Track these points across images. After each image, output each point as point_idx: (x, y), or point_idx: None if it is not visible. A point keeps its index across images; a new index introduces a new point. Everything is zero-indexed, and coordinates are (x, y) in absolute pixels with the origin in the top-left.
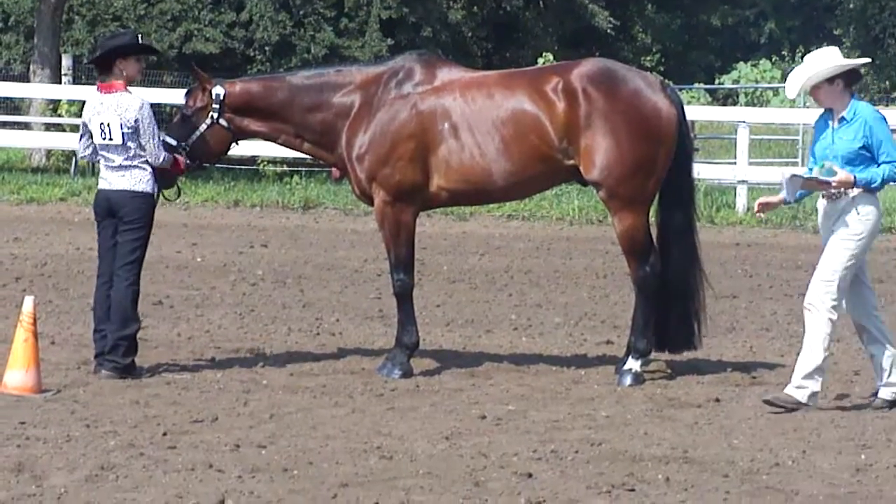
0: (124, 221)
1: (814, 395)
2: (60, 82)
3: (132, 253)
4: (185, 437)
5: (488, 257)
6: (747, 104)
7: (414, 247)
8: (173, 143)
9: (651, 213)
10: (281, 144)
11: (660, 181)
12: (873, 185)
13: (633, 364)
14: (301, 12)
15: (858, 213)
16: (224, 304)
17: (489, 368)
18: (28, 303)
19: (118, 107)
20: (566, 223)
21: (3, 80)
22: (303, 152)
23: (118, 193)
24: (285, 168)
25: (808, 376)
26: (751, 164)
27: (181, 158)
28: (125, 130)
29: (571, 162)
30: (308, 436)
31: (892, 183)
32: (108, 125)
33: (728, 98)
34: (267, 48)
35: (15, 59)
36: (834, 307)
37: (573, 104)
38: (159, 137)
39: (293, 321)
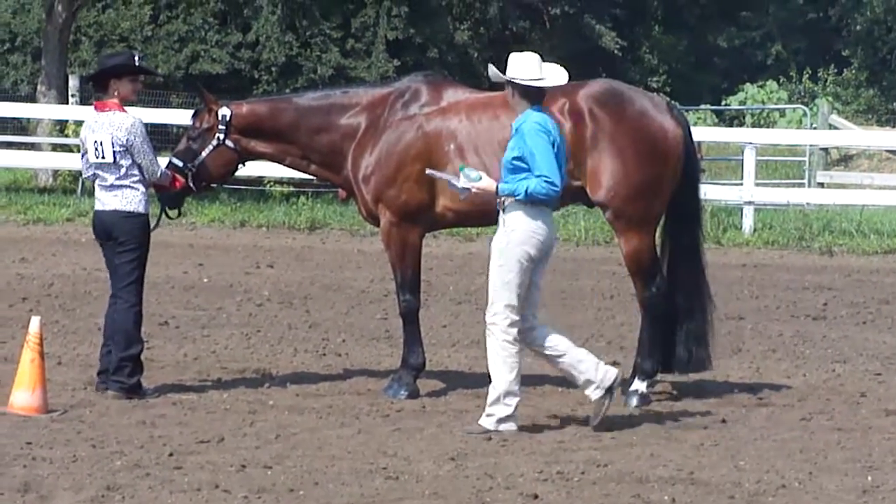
0: (119, 242)
1: (503, 419)
2: (67, 103)
3: (130, 274)
4: (192, 457)
5: None
6: (754, 125)
7: (420, 267)
8: (179, 164)
9: (658, 234)
10: (287, 166)
11: (666, 202)
12: (517, 196)
13: (640, 385)
14: (307, 33)
15: (505, 226)
16: (230, 324)
17: None
18: (34, 323)
19: (110, 125)
20: (572, 244)
21: (10, 100)
22: (309, 174)
23: (111, 214)
24: (292, 189)
25: (495, 402)
26: (757, 185)
27: (178, 176)
28: (116, 149)
29: (578, 183)
30: (314, 456)
31: (541, 196)
32: (102, 143)
33: (735, 119)
34: (273, 69)
35: (22, 79)
36: (510, 325)
37: (579, 125)
38: (154, 155)
39: (299, 342)
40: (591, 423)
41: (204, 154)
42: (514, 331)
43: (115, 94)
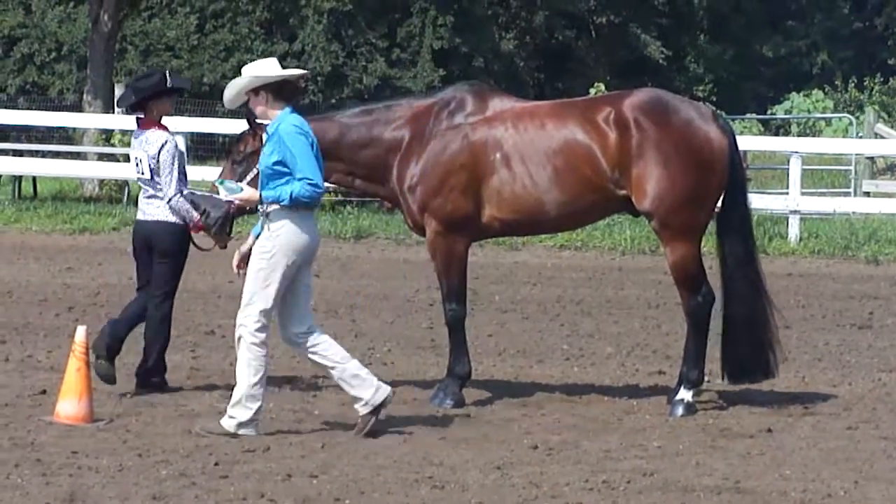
0: (158, 252)
1: (244, 423)
2: (113, 112)
3: (165, 284)
4: (237, 466)
5: (540, 287)
6: (800, 134)
7: (466, 277)
8: None
9: (712, 245)
10: (332, 183)
11: (712, 211)
12: (282, 202)
13: (685, 394)
14: (353, 43)
15: (270, 230)
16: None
17: (541, 398)
18: (80, 332)
19: (146, 143)
20: (618, 253)
21: (57, 109)
22: (354, 189)
23: (151, 224)
24: (338, 198)
25: (237, 405)
26: (803, 194)
27: (201, 224)
28: (152, 165)
29: (623, 192)
30: (360, 465)
31: (305, 199)
32: (141, 160)
33: (780, 128)
34: (319, 79)
35: (68, 88)
36: (259, 330)
37: (625, 134)
38: (176, 177)
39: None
40: (354, 433)
41: (249, 177)
42: (263, 335)
43: (154, 112)
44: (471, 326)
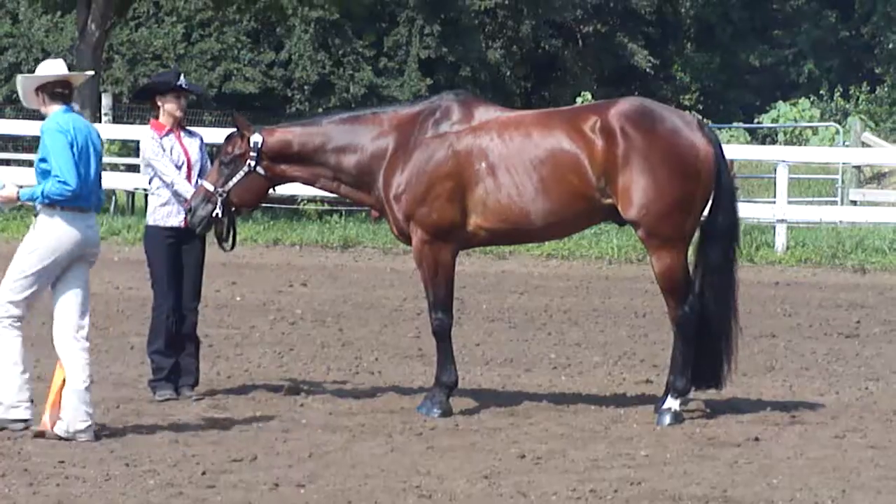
0: None
1: (12, 407)
2: (100, 121)
3: (153, 287)
4: (225, 476)
5: (527, 296)
6: (786, 143)
7: (453, 286)
8: (210, 188)
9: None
10: (319, 188)
11: (698, 220)
12: (36, 199)
13: (673, 403)
14: (340, 52)
15: (35, 228)
16: (263, 342)
17: (528, 407)
18: None
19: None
20: (605, 262)
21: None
22: (340, 195)
23: None
24: (325, 207)
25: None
26: (790, 202)
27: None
28: (143, 164)
29: (609, 201)
30: (347, 475)
31: (57, 197)
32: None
33: (767, 137)
34: (306, 88)
35: None
36: (8, 317)
37: (611, 143)
38: (160, 171)
39: (332, 360)
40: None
41: (235, 180)
42: (17, 323)
43: (161, 110)
44: (458, 335)
